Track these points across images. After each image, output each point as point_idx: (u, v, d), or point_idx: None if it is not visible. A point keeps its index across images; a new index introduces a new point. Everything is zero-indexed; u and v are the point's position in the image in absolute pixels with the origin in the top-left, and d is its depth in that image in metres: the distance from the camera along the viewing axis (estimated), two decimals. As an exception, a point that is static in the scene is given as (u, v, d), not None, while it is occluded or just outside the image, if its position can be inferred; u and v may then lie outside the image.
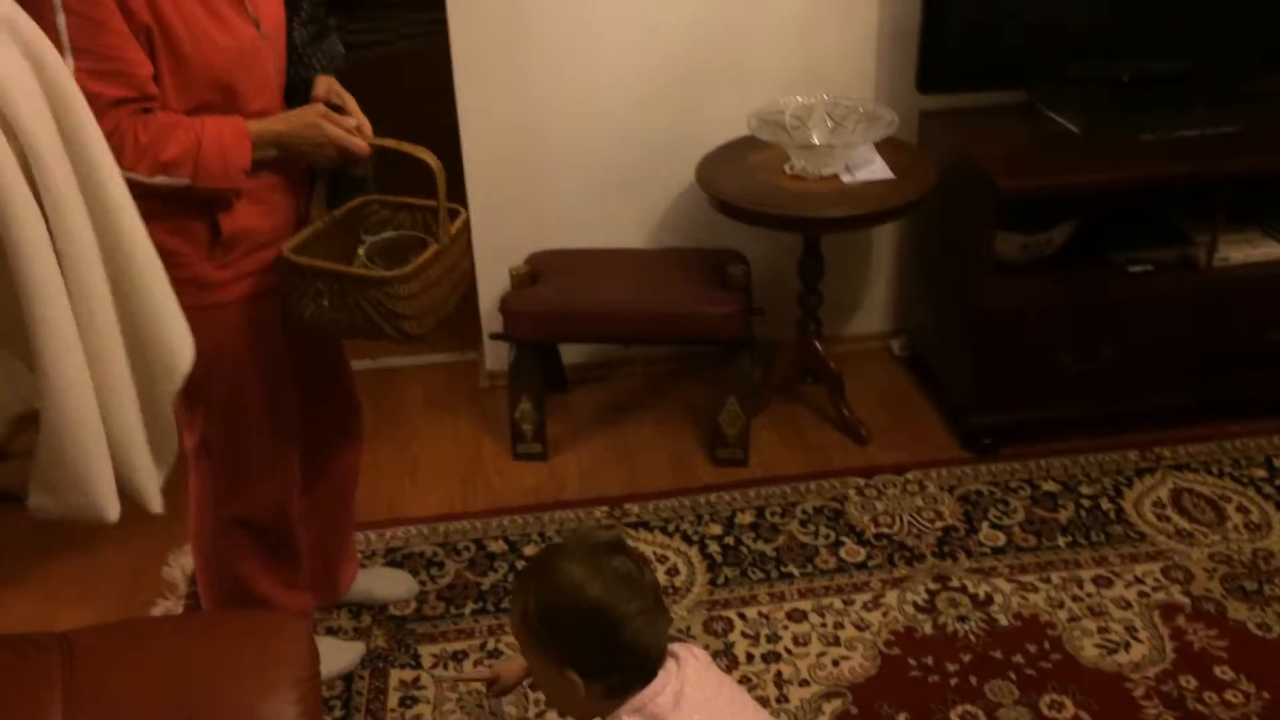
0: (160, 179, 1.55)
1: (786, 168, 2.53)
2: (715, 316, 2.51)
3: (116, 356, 1.33)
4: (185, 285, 1.66)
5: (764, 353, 2.82)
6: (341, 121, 1.70)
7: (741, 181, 2.50)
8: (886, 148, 2.55)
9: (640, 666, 1.34)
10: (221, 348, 1.73)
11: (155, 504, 1.44)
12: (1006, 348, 2.51)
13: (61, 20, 1.44)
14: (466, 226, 1.82)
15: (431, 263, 1.73)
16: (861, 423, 2.70)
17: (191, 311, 1.68)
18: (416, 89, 4.38)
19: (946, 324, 2.73)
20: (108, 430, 1.32)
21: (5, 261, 1.19)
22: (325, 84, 1.75)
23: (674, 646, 1.40)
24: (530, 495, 2.57)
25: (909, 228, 2.89)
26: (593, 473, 2.64)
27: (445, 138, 2.83)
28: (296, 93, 1.75)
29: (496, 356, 2.92)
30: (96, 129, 1.31)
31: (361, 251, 1.87)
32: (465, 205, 2.72)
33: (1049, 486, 2.50)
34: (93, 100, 1.45)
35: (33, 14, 1.42)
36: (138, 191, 1.54)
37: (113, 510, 1.34)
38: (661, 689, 1.33)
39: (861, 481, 2.53)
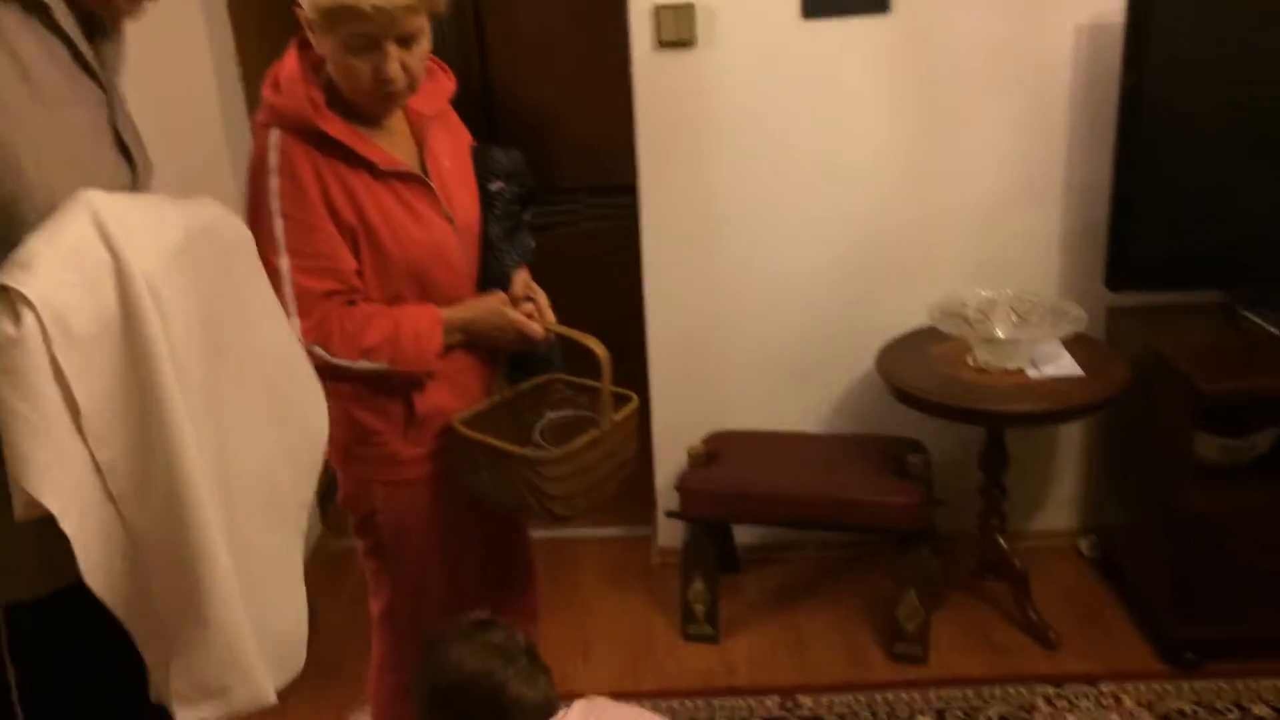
0: (362, 364, 1.68)
1: (969, 360, 2.52)
2: (895, 506, 2.48)
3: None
4: (381, 462, 1.79)
5: (944, 545, 2.75)
6: (523, 308, 1.81)
7: (923, 372, 2.51)
8: (1074, 343, 2.52)
9: None
10: (412, 521, 1.83)
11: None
12: (1208, 556, 2.37)
13: (279, 225, 1.62)
14: (635, 414, 1.86)
15: (587, 448, 1.76)
16: (1049, 626, 2.58)
17: (386, 486, 1.80)
18: (600, 268, 4.62)
19: (1141, 526, 2.62)
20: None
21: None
22: (521, 280, 1.86)
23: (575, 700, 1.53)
24: (700, 679, 2.54)
25: (1098, 424, 2.82)
26: (764, 659, 2.60)
27: (627, 316, 2.97)
28: (490, 282, 1.86)
29: (670, 534, 2.95)
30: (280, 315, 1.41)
31: (538, 426, 1.95)
32: (646, 382, 2.83)
33: (1260, 710, 2.31)
34: (304, 294, 1.63)
35: (253, 220, 1.62)
36: (342, 376, 1.69)
37: (272, 690, 1.30)
38: None
39: (1051, 690, 2.40)
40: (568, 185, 6.20)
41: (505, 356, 1.92)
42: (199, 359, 1.24)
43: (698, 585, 2.64)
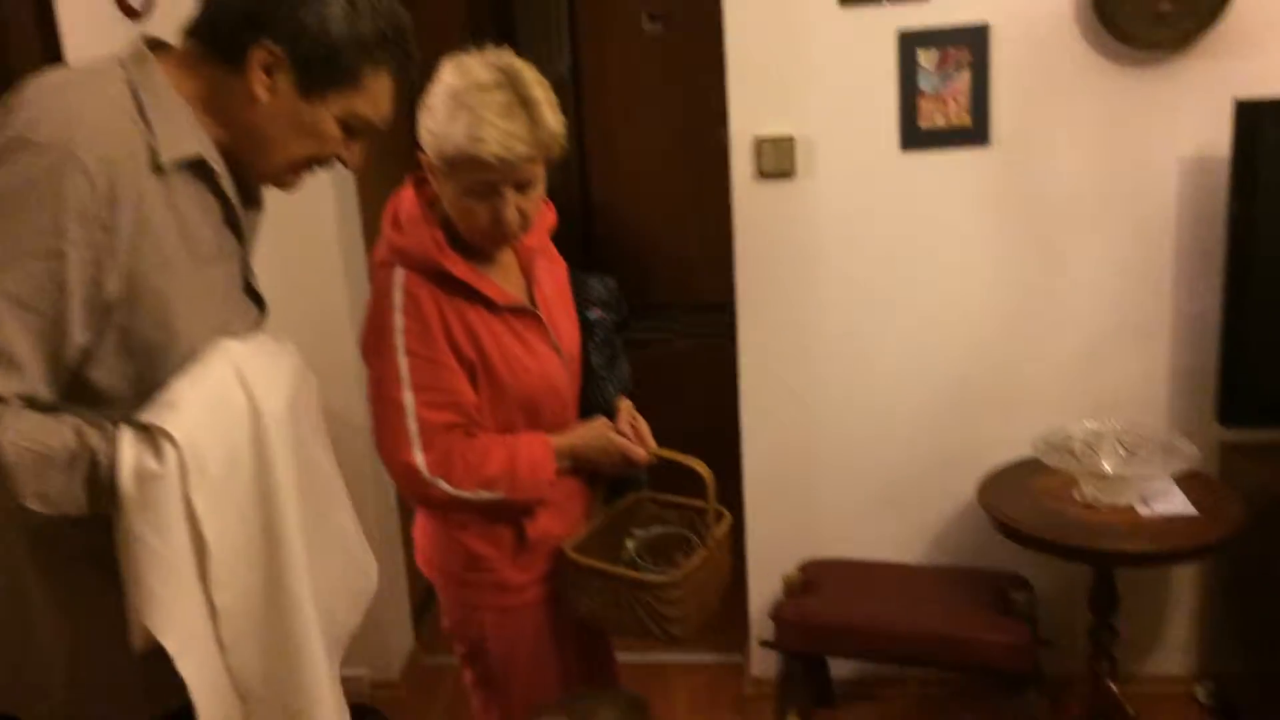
0: (482, 494, 1.70)
1: (1076, 495, 2.46)
2: (998, 645, 2.40)
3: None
4: (490, 589, 1.80)
5: (1050, 687, 2.64)
6: (626, 432, 1.84)
7: (1027, 505, 2.45)
8: (1185, 480, 2.44)
9: None
10: (521, 646, 1.83)
11: None
12: (1339, 710, 2.24)
13: (404, 361, 1.66)
14: (730, 530, 1.88)
15: (699, 568, 1.78)
16: (1165, 779, 2.45)
17: (495, 613, 1.81)
18: (693, 385, 4.65)
19: (1261, 674, 2.48)
20: None
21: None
22: (626, 410, 1.90)
23: None
24: (793, 819, 2.46)
25: (1213, 564, 2.71)
26: (860, 802, 2.51)
27: (718, 432, 2.97)
28: (590, 409, 1.90)
29: (763, 663, 2.89)
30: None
31: (630, 545, 1.95)
32: (740, 504, 2.82)
33: None
34: (428, 428, 1.66)
35: (377, 355, 1.68)
36: (460, 506, 1.72)
37: None
38: None
39: None
40: (662, 302, 6.30)
41: (604, 479, 1.95)
42: (301, 499, 1.30)
43: (792, 720, 2.58)
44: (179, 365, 1.21)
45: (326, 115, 1.28)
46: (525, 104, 1.58)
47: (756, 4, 2.57)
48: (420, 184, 1.75)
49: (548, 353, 1.79)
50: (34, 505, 1.11)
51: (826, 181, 2.66)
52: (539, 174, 1.66)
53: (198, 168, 1.25)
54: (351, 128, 1.32)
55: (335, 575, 1.42)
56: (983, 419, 2.74)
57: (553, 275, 1.90)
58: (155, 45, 1.28)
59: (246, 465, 1.20)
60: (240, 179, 1.32)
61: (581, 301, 1.93)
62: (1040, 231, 2.64)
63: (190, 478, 1.14)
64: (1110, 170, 2.58)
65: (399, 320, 1.66)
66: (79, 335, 1.13)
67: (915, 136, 2.60)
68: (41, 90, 1.15)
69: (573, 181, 6.31)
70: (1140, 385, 2.68)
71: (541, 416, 1.79)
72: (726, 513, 1.88)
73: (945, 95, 2.56)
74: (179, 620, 1.15)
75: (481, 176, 1.60)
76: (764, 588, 2.86)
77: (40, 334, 1.10)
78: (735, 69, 2.62)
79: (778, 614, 2.59)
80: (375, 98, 1.32)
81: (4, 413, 1.08)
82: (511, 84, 1.59)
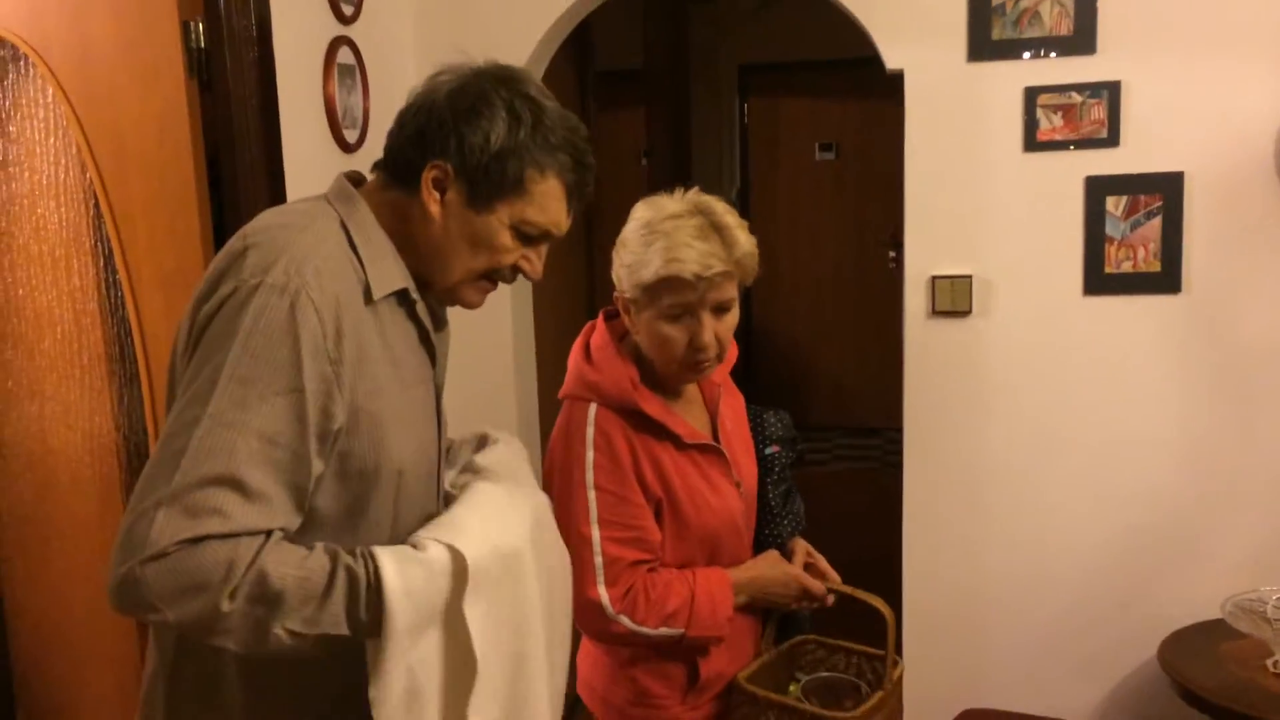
0: (662, 630, 1.68)
1: (1269, 664, 2.31)
2: (1179, 822, 2.24)
3: None
4: None
5: None
6: (800, 566, 1.82)
7: (1212, 671, 2.31)
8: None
9: None
10: None
11: None
12: None
13: (592, 496, 1.67)
14: (901, 676, 1.82)
15: (876, 710, 1.72)
16: None
17: None
18: (850, 510, 4.58)
19: None
20: None
21: None
22: (802, 549, 1.88)
23: None
24: None
25: None
26: None
27: (876, 563, 2.89)
28: (764, 548, 1.87)
29: (920, 816, 2.78)
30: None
31: (794, 688, 1.91)
32: (898, 640, 2.73)
33: None
34: (613, 563, 1.66)
35: (565, 489, 1.69)
36: (638, 641, 1.71)
37: None
38: None
39: None
40: (818, 424, 6.28)
41: (775, 617, 1.93)
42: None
43: None
44: (386, 487, 1.26)
45: (498, 225, 1.32)
46: (717, 228, 1.63)
47: (937, 146, 2.61)
48: (609, 319, 1.79)
49: (729, 489, 1.78)
50: (298, 627, 1.15)
51: (1003, 321, 2.64)
52: (734, 296, 1.68)
53: (399, 296, 1.32)
54: (527, 235, 1.35)
55: None
56: (1163, 573, 2.62)
57: (734, 410, 1.91)
58: (354, 181, 1.36)
59: (509, 592, 1.25)
60: (427, 302, 1.38)
61: (760, 438, 1.92)
62: (1231, 381, 2.54)
63: (467, 597, 1.20)
64: (1310, 323, 2.49)
65: (590, 456, 1.67)
66: (316, 464, 1.19)
67: (1100, 281, 2.56)
68: (269, 234, 1.23)
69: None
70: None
71: (720, 553, 1.78)
72: (899, 659, 1.83)
73: (1134, 241, 2.53)
74: None
75: (680, 299, 1.63)
76: (922, 735, 2.76)
77: (286, 468, 1.16)
78: (913, 207, 2.65)
79: (937, 764, 2.49)
80: (543, 203, 1.33)
81: (266, 545, 1.14)
82: (702, 212, 1.65)
